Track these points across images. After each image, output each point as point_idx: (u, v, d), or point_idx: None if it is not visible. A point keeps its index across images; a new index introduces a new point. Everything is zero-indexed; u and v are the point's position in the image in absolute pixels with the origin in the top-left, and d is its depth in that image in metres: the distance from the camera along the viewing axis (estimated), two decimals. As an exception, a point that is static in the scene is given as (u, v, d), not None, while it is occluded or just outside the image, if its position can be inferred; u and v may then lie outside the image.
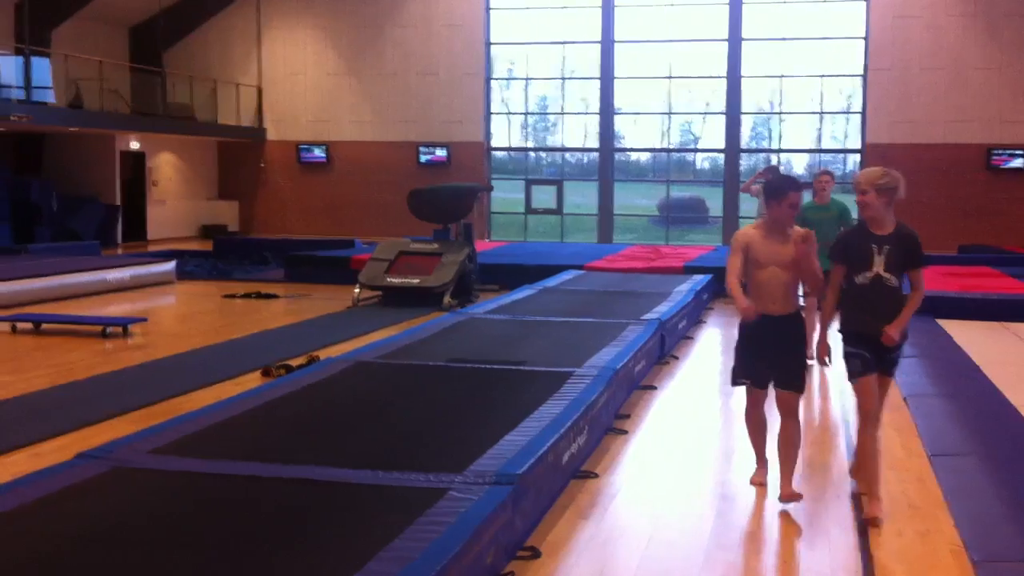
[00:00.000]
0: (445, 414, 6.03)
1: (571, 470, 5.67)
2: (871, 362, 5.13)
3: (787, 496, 5.26)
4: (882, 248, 5.13)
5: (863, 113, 24.26)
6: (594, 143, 26.48)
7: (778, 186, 5.36)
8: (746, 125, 25.99)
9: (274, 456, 4.98)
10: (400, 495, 4.36)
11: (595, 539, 4.87)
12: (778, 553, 4.86)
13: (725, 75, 24.92)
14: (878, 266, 5.12)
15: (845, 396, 7.64)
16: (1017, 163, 23.00)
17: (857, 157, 24.98)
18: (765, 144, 27.08)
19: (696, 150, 27.31)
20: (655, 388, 8.28)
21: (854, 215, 7.38)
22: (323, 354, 9.15)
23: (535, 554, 4.55)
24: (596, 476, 5.79)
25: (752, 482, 5.65)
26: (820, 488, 5.68)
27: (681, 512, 5.31)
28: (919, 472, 5.92)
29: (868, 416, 5.19)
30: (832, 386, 8.43)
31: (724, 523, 5.10)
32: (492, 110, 26.40)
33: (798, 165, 25.95)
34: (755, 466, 5.71)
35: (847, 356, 5.20)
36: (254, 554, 3.74)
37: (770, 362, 5.35)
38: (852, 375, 5.21)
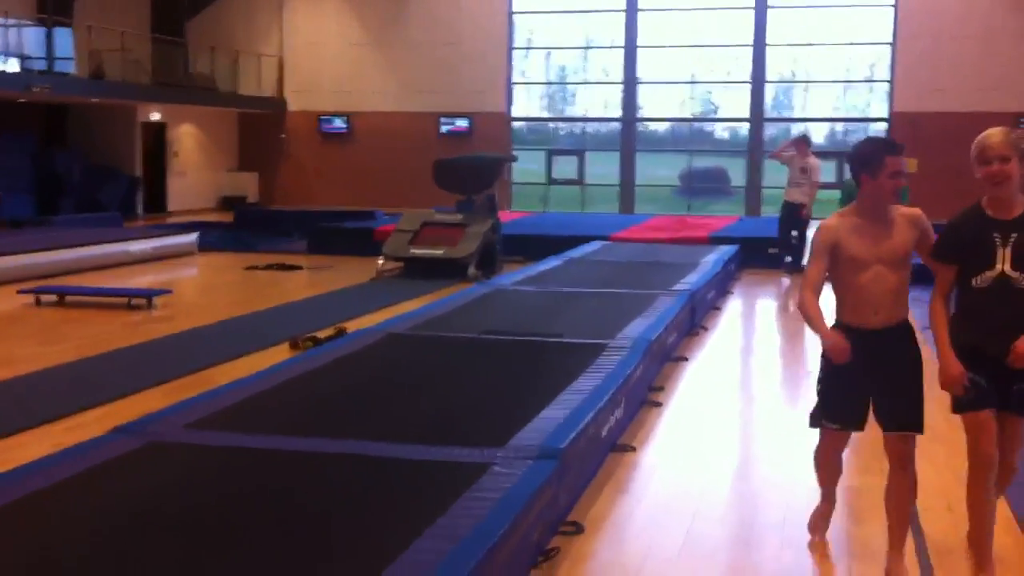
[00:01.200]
0: (481, 387, 5.94)
1: (609, 443, 5.59)
2: (989, 392, 3.84)
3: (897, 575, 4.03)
4: (1008, 238, 3.79)
5: (891, 81, 23.93)
6: (615, 113, 26.25)
7: (870, 153, 3.95)
8: (768, 94, 25.69)
9: (311, 430, 4.90)
10: (443, 469, 4.28)
11: (638, 514, 4.79)
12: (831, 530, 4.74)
13: (751, 43, 24.61)
14: (1003, 262, 3.80)
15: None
16: (1047, 132, 22.64)
17: (882, 126, 24.67)
18: (787, 114, 26.79)
19: (721, 119, 27.01)
20: (687, 359, 8.18)
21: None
22: (349, 326, 9.08)
23: (578, 529, 4.47)
24: (634, 450, 5.70)
25: (812, 527, 4.46)
26: (865, 461, 5.57)
27: (724, 487, 5.22)
28: (964, 445, 5.79)
29: (983, 464, 3.87)
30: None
31: (769, 499, 5.01)
32: (513, 80, 26.22)
33: (818, 135, 25.58)
34: (818, 501, 4.50)
35: None
36: (298, 531, 3.66)
37: (877, 393, 4.06)
38: (961, 406, 3.92)
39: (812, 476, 5.05)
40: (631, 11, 25.09)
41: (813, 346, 9.54)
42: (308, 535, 3.62)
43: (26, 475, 4.21)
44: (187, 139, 25.53)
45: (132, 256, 14.43)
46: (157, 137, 24.43)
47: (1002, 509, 4.50)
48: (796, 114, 26.20)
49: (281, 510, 3.88)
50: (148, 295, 10.75)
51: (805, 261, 13.49)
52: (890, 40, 23.89)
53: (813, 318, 4.00)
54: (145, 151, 23.92)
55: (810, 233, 14.54)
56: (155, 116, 24.10)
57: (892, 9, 23.67)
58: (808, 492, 5.09)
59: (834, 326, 4.03)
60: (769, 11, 24.41)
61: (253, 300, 11.29)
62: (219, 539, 3.62)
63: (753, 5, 24.40)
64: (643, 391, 6.72)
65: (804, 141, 14.11)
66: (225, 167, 26.97)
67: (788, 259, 14.03)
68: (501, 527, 3.60)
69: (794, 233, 14.08)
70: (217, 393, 5.63)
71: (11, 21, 19.85)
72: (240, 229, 19.38)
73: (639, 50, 25.34)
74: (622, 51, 25.45)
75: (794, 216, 13.95)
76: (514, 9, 25.81)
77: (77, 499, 3.98)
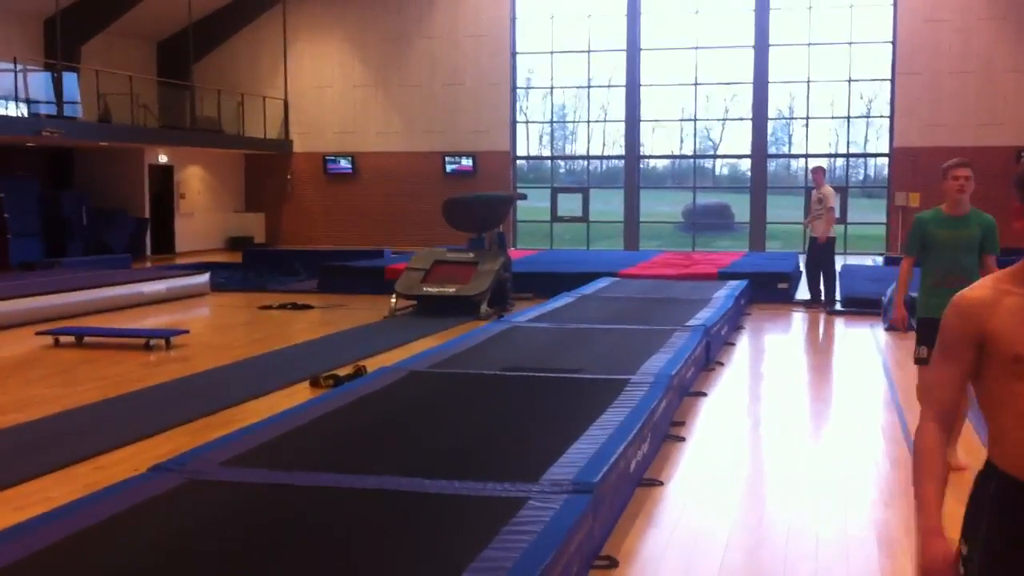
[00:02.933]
0: (507, 422, 6.00)
1: (638, 478, 5.64)
2: None
3: None
4: None
5: (891, 117, 24.14)
6: (617, 150, 26.47)
7: None
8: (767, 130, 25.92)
9: (347, 467, 4.96)
10: (480, 504, 4.34)
11: (670, 546, 4.83)
12: (859, 561, 4.80)
13: (752, 80, 24.86)
14: None
15: None
16: (1048, 165, 22.83)
17: (884, 161, 24.87)
18: (785, 149, 27.03)
19: (723, 156, 27.28)
20: (705, 394, 8.24)
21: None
22: (368, 364, 9.15)
23: (612, 563, 4.52)
24: (661, 484, 5.75)
25: None
26: (891, 493, 5.62)
27: (753, 519, 5.27)
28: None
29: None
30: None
31: (799, 530, 5.05)
32: (516, 119, 26.46)
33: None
34: None
35: None
36: (342, 568, 3.71)
37: None
38: None
39: (837, 505, 5.12)
40: (632, 51, 25.36)
41: (833, 381, 9.63)
42: (353, 571, 3.67)
43: (68, 514, 4.26)
44: (194, 181, 25.71)
45: (145, 297, 14.52)
46: (164, 179, 24.61)
47: None
48: (796, 150, 26.41)
49: (322, 545, 3.93)
50: (166, 335, 10.82)
51: (837, 295, 13.53)
52: (889, 76, 24.13)
53: (924, 479, 2.36)
54: (152, 193, 24.09)
55: (838, 265, 14.37)
56: (162, 158, 24.30)
57: (891, 45, 23.92)
58: (836, 521, 5.15)
59: (982, 477, 2.37)
60: (770, 48, 24.67)
61: (269, 339, 11.37)
62: (263, 574, 3.67)
63: (753, 43, 24.66)
64: (666, 425, 6.78)
65: (819, 171, 14.01)
66: (232, 208, 27.14)
67: (811, 297, 13.94)
68: (544, 560, 3.65)
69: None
70: (250, 431, 5.69)
71: (20, 67, 20.06)
72: (249, 269, 19.49)
73: (641, 88, 25.58)
74: (623, 90, 25.69)
75: (815, 249, 13.71)
76: (517, 50, 26.09)
77: (123, 536, 4.04)
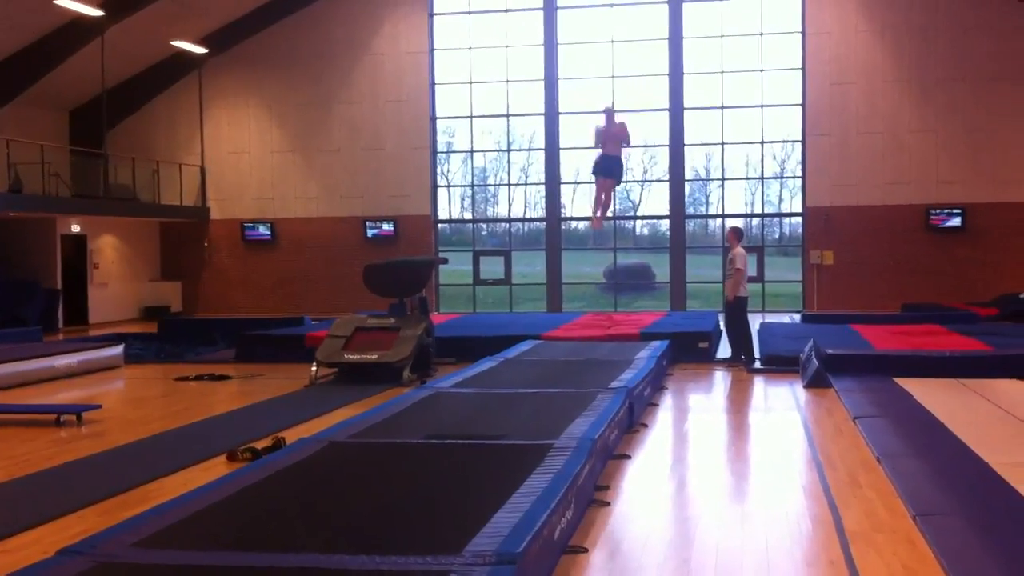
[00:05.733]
0: (430, 492, 5.91)
1: (562, 545, 5.57)
2: None
3: None
4: None
5: (803, 177, 24.76)
6: (539, 212, 26.69)
7: None
8: (685, 190, 26.38)
9: (264, 544, 4.82)
10: (402, 580, 4.24)
11: (597, 616, 4.76)
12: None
13: (668, 143, 25.33)
14: None
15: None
16: (955, 222, 23.59)
17: (798, 220, 25.44)
18: (702, 210, 27.53)
19: (643, 216, 27.67)
20: (629, 457, 8.22)
21: None
22: (287, 434, 8.97)
23: (538, 635, 4.44)
24: (586, 550, 5.69)
25: None
26: (814, 552, 5.64)
27: (678, 584, 5.23)
28: (907, 533, 5.90)
29: None
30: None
31: (724, 594, 5.03)
32: (437, 183, 26.57)
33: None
34: None
35: None
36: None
37: None
38: None
39: (761, 568, 5.09)
40: (551, 114, 25.70)
41: (755, 440, 9.68)
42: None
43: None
44: (108, 250, 25.25)
45: (57, 371, 14.11)
46: (77, 249, 24.14)
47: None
48: (713, 210, 26.90)
49: (241, 629, 3.80)
50: (77, 411, 10.49)
51: (756, 353, 13.79)
52: (800, 137, 24.78)
53: None
54: (65, 263, 23.60)
55: (756, 324, 14.55)
56: (75, 228, 23.85)
57: (800, 108, 24.59)
58: (762, 586, 5.14)
59: None
60: (685, 112, 25.19)
61: (185, 412, 11.10)
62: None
63: (668, 106, 25.16)
64: (590, 490, 6.73)
65: (732, 232, 14.50)
66: (147, 277, 26.69)
67: (729, 356, 14.30)
68: (468, 636, 3.57)
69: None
70: (162, 510, 5.50)
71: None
72: (165, 340, 19.09)
73: (560, 151, 25.89)
74: (543, 152, 25.98)
75: (727, 309, 14.33)
76: (436, 114, 26.26)
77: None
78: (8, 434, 9.77)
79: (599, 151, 14.26)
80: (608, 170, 14.13)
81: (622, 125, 14.08)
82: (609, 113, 14.22)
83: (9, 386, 13.03)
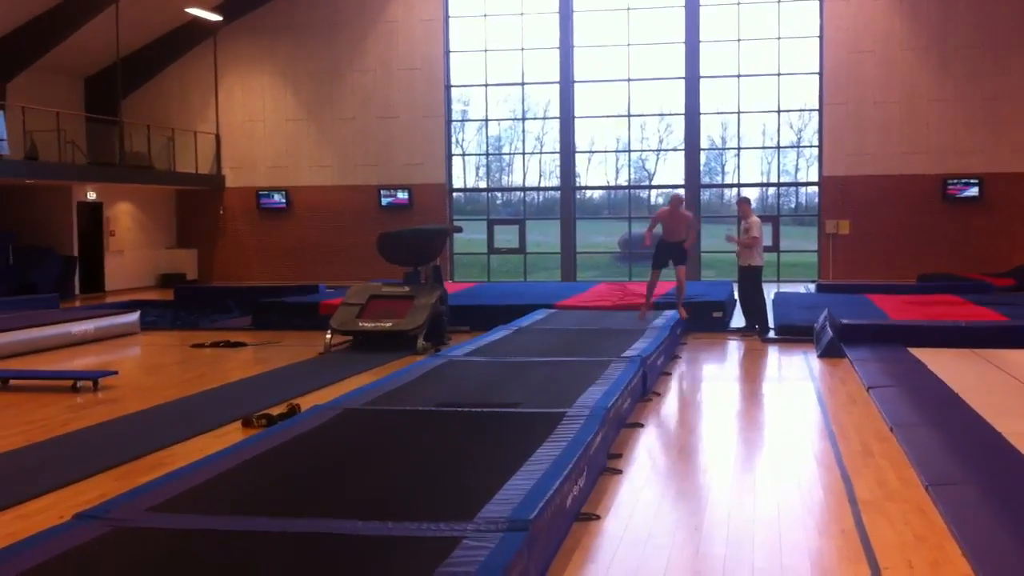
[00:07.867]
0: (443, 460, 5.94)
1: (574, 513, 5.60)
2: None
3: None
4: None
5: (820, 146, 24.60)
6: (553, 181, 26.62)
7: None
8: (700, 160, 26.25)
9: (278, 509, 4.86)
10: (415, 545, 4.27)
11: (608, 583, 4.79)
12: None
13: (683, 112, 25.19)
14: None
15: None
16: (971, 192, 23.43)
17: (814, 189, 25.31)
18: (718, 179, 27.39)
19: (658, 186, 27.54)
20: (642, 425, 8.24)
21: None
22: (301, 402, 9.02)
23: (550, 601, 4.47)
24: (599, 518, 5.72)
25: None
26: (826, 521, 5.65)
27: (690, 551, 5.25)
28: (918, 502, 5.91)
29: None
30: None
31: (734, 561, 5.05)
32: (452, 151, 26.51)
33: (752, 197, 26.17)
34: None
35: None
36: (273, 613, 3.63)
37: None
38: None
39: (772, 535, 5.12)
40: (566, 83, 25.58)
41: (768, 409, 9.68)
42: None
43: (-13, 567, 4.12)
44: (124, 218, 25.32)
45: (73, 337, 14.20)
46: (93, 216, 24.21)
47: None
48: (729, 179, 26.78)
49: (254, 593, 3.84)
50: (93, 377, 10.57)
51: (771, 323, 13.77)
52: (817, 106, 24.60)
53: None
54: (81, 231, 23.67)
55: (771, 293, 14.53)
56: (91, 195, 23.90)
57: (818, 77, 24.40)
58: (771, 551, 5.15)
59: None
60: (701, 80, 25.03)
61: (201, 379, 11.17)
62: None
63: (684, 75, 25.01)
64: (603, 459, 6.75)
65: (746, 202, 14.50)
66: (163, 245, 26.77)
67: (743, 325, 14.26)
68: (479, 601, 3.60)
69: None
70: (178, 475, 5.55)
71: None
72: (180, 307, 19.18)
73: (576, 120, 25.79)
74: (558, 121, 25.87)
75: (742, 278, 14.26)
76: (451, 82, 26.17)
77: (43, 590, 3.90)
78: (25, 400, 9.86)
79: (658, 236, 14.10)
80: (665, 260, 14.03)
81: (688, 216, 14.02)
82: (678, 200, 14.13)
83: (26, 352, 13.13)
